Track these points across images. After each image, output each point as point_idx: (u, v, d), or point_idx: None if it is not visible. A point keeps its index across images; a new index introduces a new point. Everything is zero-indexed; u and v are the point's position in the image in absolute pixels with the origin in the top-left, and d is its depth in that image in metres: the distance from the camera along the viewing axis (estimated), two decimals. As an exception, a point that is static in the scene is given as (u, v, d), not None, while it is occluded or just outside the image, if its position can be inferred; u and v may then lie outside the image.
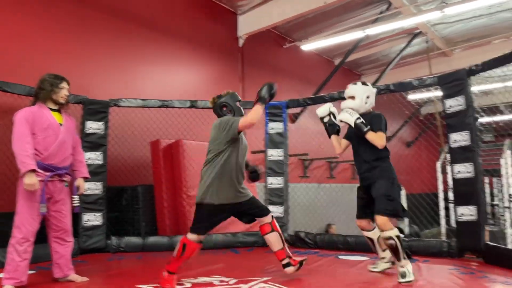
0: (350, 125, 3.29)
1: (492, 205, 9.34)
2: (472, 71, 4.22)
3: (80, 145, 3.46)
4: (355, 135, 3.35)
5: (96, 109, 4.93)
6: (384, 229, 3.11)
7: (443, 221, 5.95)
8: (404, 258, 3.10)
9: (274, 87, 3.17)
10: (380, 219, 3.11)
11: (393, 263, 3.38)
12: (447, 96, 4.39)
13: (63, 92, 3.19)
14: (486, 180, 7.07)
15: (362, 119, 3.23)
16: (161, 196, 5.50)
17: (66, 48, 5.48)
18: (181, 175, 5.39)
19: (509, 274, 3.40)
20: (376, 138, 3.20)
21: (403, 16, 7.95)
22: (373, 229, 3.50)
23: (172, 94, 6.26)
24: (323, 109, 3.72)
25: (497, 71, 4.17)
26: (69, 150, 3.21)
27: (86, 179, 3.42)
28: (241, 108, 3.36)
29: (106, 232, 4.85)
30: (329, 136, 3.72)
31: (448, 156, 4.48)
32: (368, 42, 10.05)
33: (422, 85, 4.68)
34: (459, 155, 4.24)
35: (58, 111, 3.21)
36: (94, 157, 4.83)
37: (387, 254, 3.45)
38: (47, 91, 3.13)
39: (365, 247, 4.76)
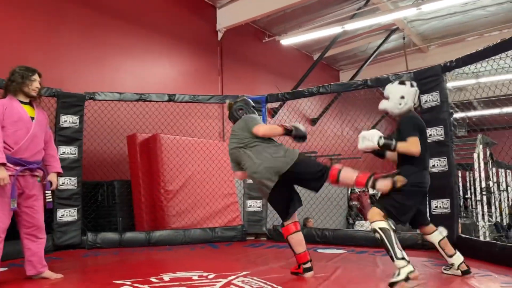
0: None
1: (465, 198, 9.61)
2: (447, 67, 4.30)
3: (53, 139, 3.36)
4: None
5: (71, 102, 4.81)
6: (371, 219, 2.83)
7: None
8: (397, 258, 2.69)
9: (303, 133, 3.24)
10: (371, 209, 2.88)
11: (463, 272, 3.09)
12: (422, 91, 4.45)
13: (35, 84, 3.10)
14: (459, 174, 7.25)
15: (383, 137, 2.91)
16: (139, 191, 5.44)
17: (39, 39, 5.32)
18: (158, 170, 5.33)
19: (481, 265, 3.50)
20: (408, 147, 2.86)
21: (380, 12, 8.05)
22: (432, 232, 3.16)
23: (150, 88, 6.17)
24: (373, 140, 2.96)
25: (471, 68, 4.26)
26: (41, 144, 3.12)
27: (59, 174, 3.33)
28: (255, 111, 3.54)
29: (81, 228, 4.76)
30: (384, 158, 3.28)
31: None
32: (346, 38, 10.14)
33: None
34: (434, 149, 4.32)
35: (30, 104, 3.12)
36: (69, 151, 4.72)
37: (457, 260, 3.14)
38: (17, 83, 3.04)
39: (342, 240, 4.84)
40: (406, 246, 4.35)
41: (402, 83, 3.11)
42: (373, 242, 4.52)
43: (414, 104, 3.10)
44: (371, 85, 4.96)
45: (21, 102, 3.07)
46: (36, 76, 3.13)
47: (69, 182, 4.68)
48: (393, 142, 2.89)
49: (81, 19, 5.85)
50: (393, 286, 2.67)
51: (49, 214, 4.42)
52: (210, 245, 4.94)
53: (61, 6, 5.60)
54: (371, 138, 2.93)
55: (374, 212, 2.84)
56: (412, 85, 3.10)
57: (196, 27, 7.86)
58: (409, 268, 2.66)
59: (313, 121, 10.67)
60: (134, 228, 5.45)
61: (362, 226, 8.72)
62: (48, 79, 4.79)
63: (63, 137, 4.70)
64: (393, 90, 3.09)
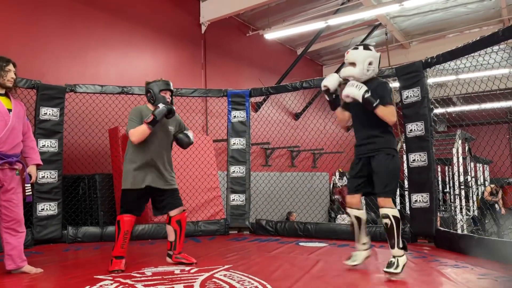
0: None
1: (444, 192, 9.81)
2: (428, 64, 4.37)
3: (31, 131, 3.29)
4: (358, 103, 2.94)
5: (51, 94, 4.72)
6: (384, 206, 2.91)
7: (398, 208, 6.17)
8: (399, 248, 2.86)
9: (165, 110, 3.21)
10: (384, 198, 2.92)
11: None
12: (404, 87, 4.53)
13: (10, 75, 3.03)
14: (439, 168, 7.41)
15: (369, 92, 2.86)
16: (120, 185, 5.37)
17: (19, 30, 5.20)
18: (141, 164, 5.28)
19: (458, 257, 3.59)
20: (387, 114, 2.86)
21: (364, 7, 8.10)
22: (363, 208, 3.21)
23: (132, 80, 6.10)
24: (333, 81, 3.14)
25: (451, 64, 4.34)
26: (20, 137, 3.06)
27: (38, 167, 3.28)
28: (165, 97, 3.38)
29: (62, 222, 4.70)
30: (334, 109, 3.28)
31: (404, 146, 4.64)
32: (329, 33, 10.19)
33: (381, 76, 4.78)
34: (415, 144, 4.40)
35: (6, 95, 3.06)
36: (49, 144, 4.64)
37: (369, 240, 3.24)
38: None
39: (324, 234, 4.89)
40: (387, 239, 4.45)
41: (367, 48, 3.03)
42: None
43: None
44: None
45: None
46: (10, 66, 3.05)
47: (49, 176, 4.61)
48: (377, 101, 2.84)
49: (62, 10, 5.74)
50: (389, 275, 2.81)
51: (29, 208, 4.35)
52: (193, 239, 4.93)
53: (40, -4, 5.47)
54: (359, 87, 2.88)
55: (387, 200, 2.92)
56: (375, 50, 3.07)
57: (180, 19, 7.78)
58: (405, 259, 2.86)
59: (297, 116, 10.72)
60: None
61: (343, 220, 8.83)
62: (28, 71, 4.72)
63: (43, 130, 4.62)
64: (360, 56, 2.99)
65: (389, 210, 2.89)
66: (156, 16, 7.27)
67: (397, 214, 2.88)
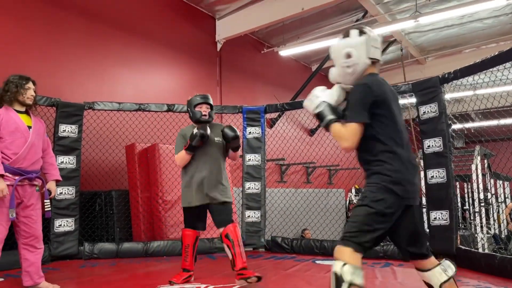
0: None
1: (464, 210, 9.60)
2: (445, 79, 4.33)
3: (51, 147, 3.36)
4: None
5: (70, 112, 4.81)
6: (336, 257, 1.88)
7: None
8: None
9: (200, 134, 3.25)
10: (337, 247, 1.91)
11: None
12: (421, 103, 4.49)
13: (29, 92, 3.09)
14: (458, 185, 7.27)
15: (325, 106, 2.07)
16: (136, 201, 5.41)
17: (39, 49, 5.34)
18: (157, 180, 5.32)
19: (481, 277, 3.48)
20: (337, 136, 1.99)
21: (378, 24, 8.11)
22: (433, 268, 2.02)
23: (149, 98, 6.18)
24: (330, 95, 2.14)
25: (469, 79, 4.29)
26: (39, 153, 3.11)
27: (58, 182, 3.32)
28: (200, 111, 3.43)
29: (78, 238, 4.73)
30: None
31: (422, 162, 4.57)
32: (344, 49, 10.19)
33: (397, 92, 4.76)
34: (433, 160, 4.33)
35: (26, 113, 3.12)
36: (67, 161, 4.71)
37: None
38: (12, 93, 3.03)
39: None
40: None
41: (346, 34, 2.11)
42: (372, 254, 4.51)
43: (375, 60, 2.07)
44: (370, 96, 4.97)
45: (18, 111, 3.06)
46: (30, 84, 3.12)
47: (67, 192, 4.66)
48: (329, 118, 2.03)
49: (80, 29, 5.88)
50: None
51: (46, 224, 4.39)
52: (209, 256, 4.90)
53: (60, 16, 5.63)
54: (315, 98, 2.12)
55: (340, 249, 1.90)
56: (362, 33, 2.07)
57: (196, 37, 7.90)
58: None
59: (312, 132, 10.69)
60: (132, 238, 5.41)
61: (360, 237, 8.66)
62: (48, 89, 4.83)
63: (62, 146, 4.69)
64: (334, 50, 2.14)
65: (336, 264, 1.85)
66: (173, 34, 7.40)
67: (349, 275, 1.80)
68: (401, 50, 9.75)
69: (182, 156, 3.30)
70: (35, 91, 3.15)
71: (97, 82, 6.04)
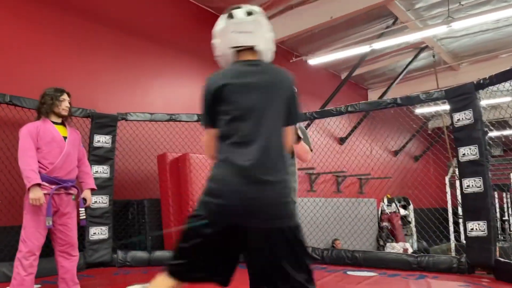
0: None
1: (502, 221, 9.22)
2: (480, 85, 4.20)
3: (86, 156, 3.46)
4: None
5: (104, 123, 4.96)
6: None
7: (452, 237, 5.87)
8: None
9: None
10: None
11: None
12: (455, 110, 4.37)
13: (64, 104, 3.19)
14: (496, 195, 7.00)
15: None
16: (168, 210, 5.49)
17: (75, 62, 5.54)
18: (187, 189, 5.38)
19: (521, 291, 3.33)
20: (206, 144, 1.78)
21: (409, 30, 7.98)
22: None
23: (179, 108, 6.29)
24: None
25: (505, 85, 4.14)
26: (74, 163, 3.21)
27: (93, 191, 3.40)
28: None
29: (112, 246, 4.83)
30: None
31: (457, 171, 4.44)
32: (374, 57, 10.09)
33: (430, 99, 4.66)
34: (468, 169, 4.19)
35: (63, 124, 3.23)
36: (101, 170, 4.84)
37: None
38: (48, 105, 3.14)
39: (373, 262, 4.71)
40: (441, 270, 4.22)
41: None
42: (406, 265, 4.40)
43: (240, 47, 1.75)
44: (401, 103, 4.89)
45: (54, 122, 3.16)
46: (64, 96, 3.21)
47: (101, 201, 4.78)
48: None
49: (114, 43, 6.07)
50: None
51: (81, 232, 4.52)
52: (240, 266, 4.90)
53: (95, 31, 5.83)
54: None
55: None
56: (230, 16, 1.76)
57: (225, 48, 8.00)
58: None
59: (342, 140, 10.58)
60: (163, 247, 5.48)
61: (393, 248, 8.48)
62: (83, 101, 5.00)
63: (96, 156, 4.83)
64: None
65: None
66: (201, 45, 7.48)
67: None
68: (433, 56, 9.54)
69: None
70: (69, 103, 3.25)
71: (129, 93, 6.20)
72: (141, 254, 4.96)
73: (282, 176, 1.59)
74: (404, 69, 10.44)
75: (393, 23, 8.31)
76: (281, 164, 1.60)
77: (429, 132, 13.34)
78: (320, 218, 6.30)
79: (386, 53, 10.08)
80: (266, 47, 1.89)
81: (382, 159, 5.91)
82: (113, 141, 4.99)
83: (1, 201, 4.27)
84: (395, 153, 12.01)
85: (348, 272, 4.36)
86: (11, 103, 4.23)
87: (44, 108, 3.15)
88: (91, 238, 4.68)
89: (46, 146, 3.04)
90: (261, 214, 1.53)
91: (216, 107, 1.66)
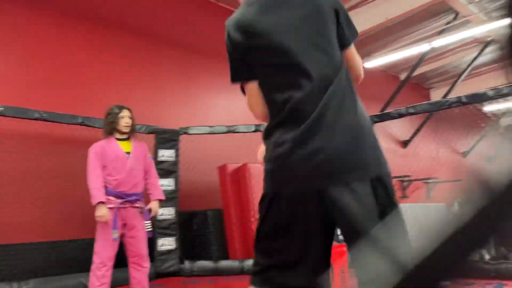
0: None
1: None
2: (556, 77, 3.88)
3: (154, 168, 3.51)
4: None
5: (168, 137, 5.18)
6: None
7: None
8: None
9: None
10: None
11: None
12: (528, 105, 4.07)
13: (124, 120, 3.27)
14: None
15: None
16: (230, 220, 5.58)
17: (139, 82, 5.85)
18: (248, 198, 5.45)
19: None
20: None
21: (472, 24, 7.57)
22: None
23: (238, 119, 6.41)
24: None
25: None
26: (139, 176, 3.28)
27: (161, 202, 3.46)
28: None
29: (179, 256, 4.98)
30: None
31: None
32: (435, 54, 9.66)
33: (499, 95, 4.38)
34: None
35: (128, 139, 3.33)
36: (167, 183, 5.04)
37: None
38: (110, 123, 3.27)
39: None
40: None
41: None
42: (483, 273, 4.11)
43: None
44: (466, 101, 4.64)
45: (119, 139, 3.28)
46: (124, 113, 3.29)
47: (167, 213, 4.97)
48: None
49: (175, 61, 6.34)
50: None
51: (151, 243, 4.72)
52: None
53: (157, 49, 6.13)
54: None
55: None
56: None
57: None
58: None
59: (405, 143, 10.19)
60: (228, 256, 5.57)
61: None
62: (148, 117, 5.26)
63: (161, 170, 5.03)
64: None
65: None
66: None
67: None
68: (502, 49, 8.95)
69: None
70: (131, 118, 3.33)
71: (190, 108, 6.43)
72: (207, 264, 5.07)
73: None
74: (469, 65, 9.90)
75: (455, 18, 7.93)
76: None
77: (501, 130, 12.50)
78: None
79: (449, 50, 9.62)
80: None
81: (449, 160, 5.61)
82: (177, 155, 5.18)
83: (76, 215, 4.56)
84: (464, 154, 11.36)
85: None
86: (83, 124, 4.54)
87: (107, 127, 3.28)
88: (159, 249, 4.87)
89: (111, 163, 3.16)
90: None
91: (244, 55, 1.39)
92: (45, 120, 4.36)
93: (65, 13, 5.26)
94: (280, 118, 1.31)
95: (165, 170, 5.07)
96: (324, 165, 1.23)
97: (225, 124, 5.65)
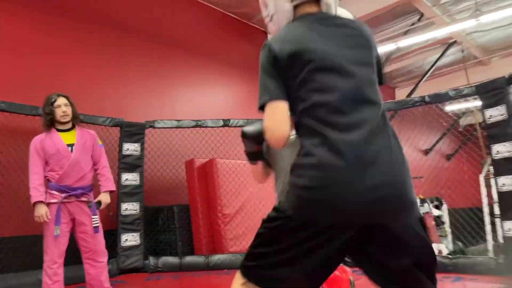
0: None
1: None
2: (513, 79, 4.06)
3: (104, 157, 3.26)
4: None
5: (133, 131, 5.06)
6: None
7: (489, 237, 5.66)
8: None
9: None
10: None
11: None
12: (487, 105, 4.23)
13: (61, 109, 3.04)
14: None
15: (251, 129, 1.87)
16: (197, 215, 5.53)
17: (104, 73, 5.68)
18: (215, 194, 5.41)
19: None
20: (267, 126, 1.37)
21: (436, 26, 7.80)
22: None
23: (206, 114, 6.35)
24: None
25: (540, 78, 3.99)
26: (85, 169, 3.10)
27: (111, 193, 3.25)
28: None
29: (143, 252, 4.90)
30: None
31: (492, 169, 4.29)
32: (400, 54, 9.90)
33: (459, 95, 4.53)
34: (504, 167, 4.04)
35: (72, 129, 3.13)
36: (131, 178, 4.94)
37: None
38: (47, 114, 3.06)
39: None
40: (478, 271, 4.07)
41: None
42: (441, 267, 4.27)
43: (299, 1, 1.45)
44: (429, 101, 4.78)
45: (60, 130, 3.08)
46: (60, 101, 3.06)
47: (132, 208, 4.87)
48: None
49: (141, 52, 6.19)
50: None
51: (114, 238, 4.61)
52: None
53: (124, 40, 5.96)
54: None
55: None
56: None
57: (249, 53, 8.02)
58: None
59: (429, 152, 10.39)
60: (193, 252, 5.53)
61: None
62: (113, 110, 5.12)
63: (126, 164, 4.93)
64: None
65: None
66: (227, 51, 7.58)
67: None
68: (462, 51, 9.28)
69: None
70: (68, 105, 3.08)
71: (157, 101, 6.31)
72: (172, 260, 5.01)
73: None
74: (432, 65, 10.19)
75: (419, 20, 8.14)
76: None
77: (461, 129, 12.97)
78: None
79: (412, 50, 9.88)
80: None
81: (412, 158, 5.76)
82: (142, 149, 5.08)
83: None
84: (426, 152, 11.73)
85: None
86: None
87: (45, 119, 3.06)
88: (123, 245, 4.77)
89: (52, 158, 3.00)
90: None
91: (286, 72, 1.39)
92: (3, 110, 4.16)
93: (25, -1, 5.02)
94: (328, 143, 1.24)
95: (130, 164, 4.97)
96: (388, 200, 1.23)
97: (193, 118, 5.58)
